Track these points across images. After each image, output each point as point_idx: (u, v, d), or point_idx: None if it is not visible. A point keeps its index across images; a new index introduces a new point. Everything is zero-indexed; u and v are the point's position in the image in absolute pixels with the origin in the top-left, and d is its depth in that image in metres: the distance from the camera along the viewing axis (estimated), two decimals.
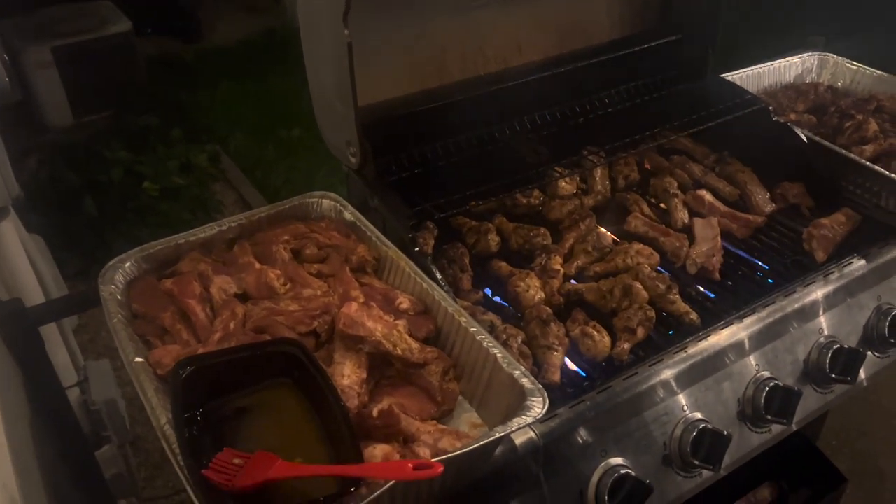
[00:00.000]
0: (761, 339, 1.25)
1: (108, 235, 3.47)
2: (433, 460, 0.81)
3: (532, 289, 1.26)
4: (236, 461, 0.86)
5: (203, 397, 0.94)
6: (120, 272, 1.17)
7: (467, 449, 0.87)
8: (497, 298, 1.32)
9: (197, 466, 0.83)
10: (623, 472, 1.07)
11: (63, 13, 4.61)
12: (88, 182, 3.83)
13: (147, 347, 1.10)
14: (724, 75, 1.79)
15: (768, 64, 1.89)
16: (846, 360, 1.28)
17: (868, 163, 1.47)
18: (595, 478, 1.08)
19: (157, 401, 0.95)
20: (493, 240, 1.39)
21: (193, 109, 4.78)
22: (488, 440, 0.89)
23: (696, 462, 1.13)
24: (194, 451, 0.86)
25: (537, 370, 1.13)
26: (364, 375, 1.01)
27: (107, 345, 3.19)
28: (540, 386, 0.97)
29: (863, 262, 1.36)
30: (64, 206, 3.64)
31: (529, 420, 0.92)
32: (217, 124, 4.62)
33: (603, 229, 1.46)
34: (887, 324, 1.35)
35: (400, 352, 1.04)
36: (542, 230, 1.41)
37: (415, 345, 1.06)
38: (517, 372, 0.99)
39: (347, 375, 0.99)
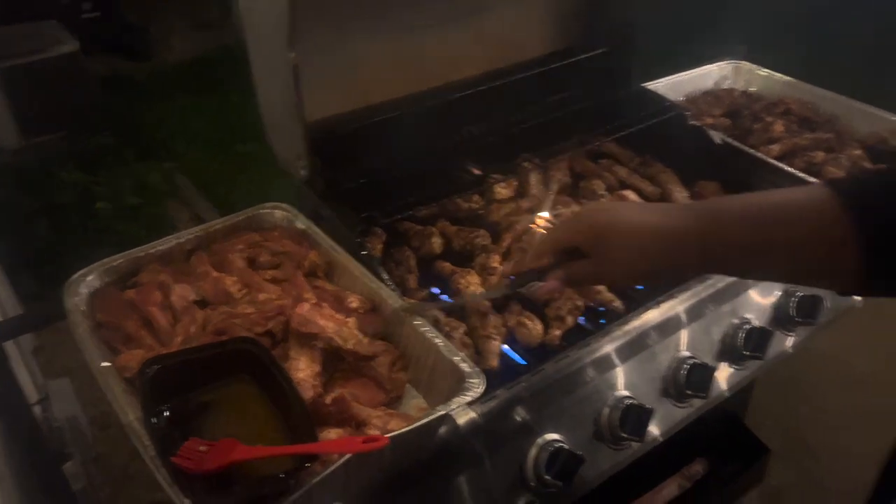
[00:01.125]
0: (680, 323, 1.38)
1: (64, 257, 3.48)
2: (382, 435, 0.91)
3: (472, 285, 1.37)
4: (202, 448, 0.94)
5: (168, 394, 1.02)
6: (84, 285, 1.25)
7: (413, 426, 0.98)
8: (444, 297, 1.43)
9: (166, 454, 0.92)
10: (557, 445, 1.19)
11: (8, 35, 4.59)
12: (42, 204, 3.83)
13: (113, 354, 1.17)
14: (649, 83, 1.94)
15: (689, 72, 2.05)
16: (757, 339, 1.42)
17: (774, 161, 1.62)
18: (533, 452, 1.19)
19: (125, 400, 1.03)
20: (437, 242, 1.50)
21: (147, 127, 4.80)
22: (430, 418, 0.99)
23: (624, 435, 1.25)
24: (164, 441, 0.95)
25: (478, 357, 1.24)
26: (318, 369, 1.11)
27: (65, 365, 3.20)
28: (478, 369, 1.07)
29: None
30: (17, 229, 3.64)
31: (468, 399, 1.03)
32: (172, 141, 4.65)
33: (538, 228, 1.58)
34: (794, 304, 1.50)
35: (351, 346, 1.14)
36: (482, 232, 1.52)
37: (364, 339, 1.17)
38: (457, 358, 1.10)
39: (302, 369, 1.08)
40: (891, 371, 2.84)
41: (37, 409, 2.26)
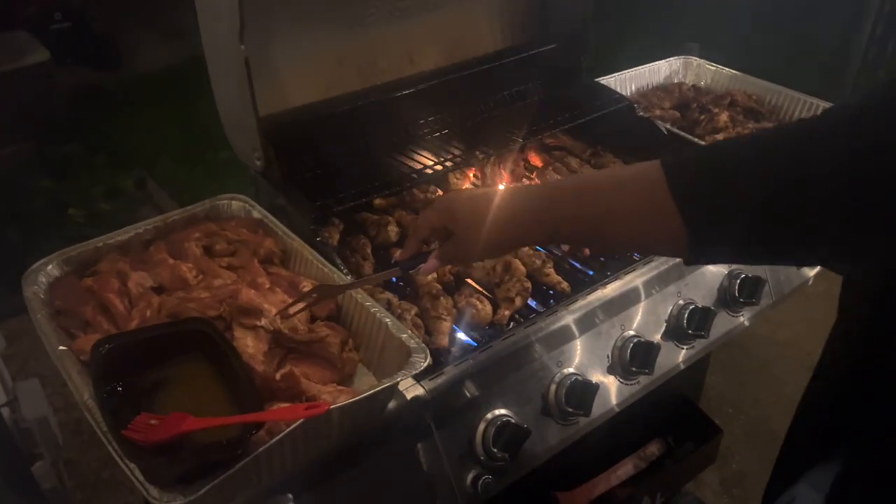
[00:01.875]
0: (626, 302, 1.43)
1: (33, 263, 3.47)
2: (325, 402, 0.95)
3: None
4: (153, 422, 0.97)
5: (121, 372, 1.05)
6: (42, 274, 1.28)
7: (358, 398, 1.02)
8: (399, 282, 1.47)
9: (117, 427, 0.95)
10: (504, 419, 1.23)
11: None
12: (10, 212, 3.82)
13: (71, 339, 1.20)
14: (601, 78, 2.00)
15: (640, 67, 2.12)
16: (700, 318, 1.47)
17: None
18: (481, 427, 1.24)
19: (80, 381, 1.06)
20: (393, 230, 1.54)
21: (118, 136, 4.80)
22: (376, 390, 1.03)
23: (570, 409, 1.30)
24: (115, 416, 0.98)
25: (429, 338, 1.29)
26: (265, 348, 1.15)
27: (36, 372, 3.19)
28: (423, 345, 1.12)
29: None
30: None
31: (413, 371, 1.07)
32: (143, 150, 4.65)
33: None
34: (737, 286, 1.56)
35: (286, 330, 1.17)
36: None
37: (301, 326, 1.19)
38: (405, 335, 1.14)
39: (251, 346, 1.12)
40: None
41: (5, 411, 2.27)
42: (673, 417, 1.87)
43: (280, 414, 0.97)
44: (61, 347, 1.13)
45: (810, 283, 1.77)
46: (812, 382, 0.90)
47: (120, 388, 1.03)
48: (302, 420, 0.95)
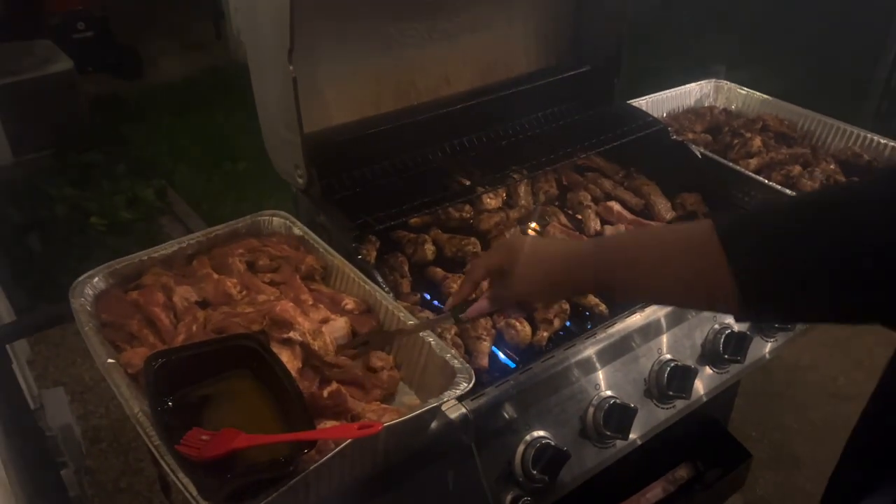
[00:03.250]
0: (662, 327, 1.44)
1: (55, 271, 3.50)
2: (377, 422, 0.95)
3: None
4: (204, 437, 0.98)
5: (171, 387, 1.06)
6: (88, 286, 1.29)
7: (405, 418, 1.02)
8: (436, 302, 1.48)
9: (171, 442, 0.96)
10: (544, 442, 1.23)
11: (3, 53, 4.65)
12: (32, 219, 3.86)
13: (116, 352, 1.21)
14: (633, 100, 2.01)
15: (672, 90, 2.13)
16: (736, 343, 1.47)
17: (752, 174, 1.69)
18: (521, 448, 1.24)
19: (130, 394, 1.07)
20: (429, 249, 1.56)
21: (138, 145, 4.85)
22: (423, 410, 1.04)
23: (608, 433, 1.30)
24: (168, 431, 0.99)
25: (468, 358, 1.29)
26: (299, 365, 1.16)
27: (55, 379, 3.22)
28: (467, 365, 1.12)
29: None
30: (7, 243, 3.66)
31: (458, 392, 1.08)
32: (162, 160, 4.70)
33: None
34: None
35: (316, 347, 1.17)
36: (473, 240, 1.58)
37: (331, 347, 1.20)
38: (448, 355, 1.15)
39: (286, 362, 1.13)
40: (870, 383, 2.90)
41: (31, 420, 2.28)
42: (702, 440, 1.86)
43: (333, 433, 0.97)
44: (109, 360, 1.14)
45: None
46: (865, 413, 0.90)
47: (170, 403, 1.04)
48: (351, 439, 0.96)
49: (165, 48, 6.41)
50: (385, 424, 0.96)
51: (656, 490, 1.74)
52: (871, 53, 3.66)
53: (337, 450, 0.96)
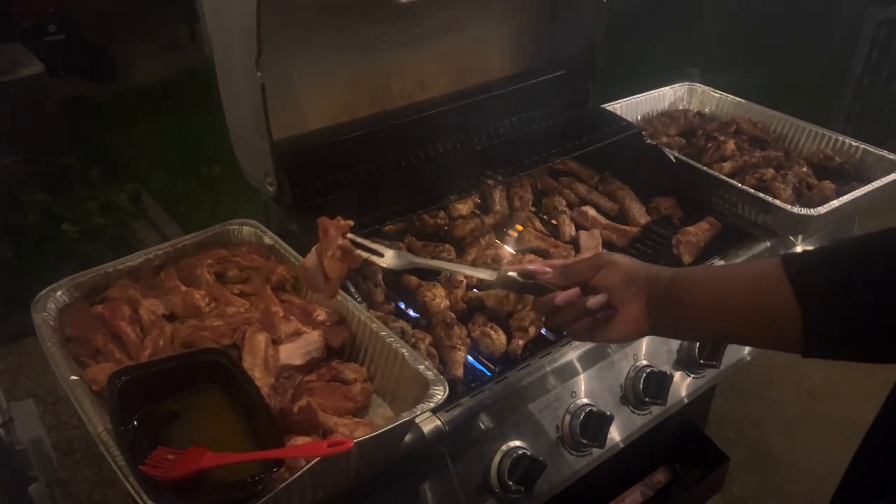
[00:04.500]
0: None
1: (27, 279, 3.43)
2: (347, 439, 0.94)
3: (438, 297, 1.41)
4: (170, 457, 0.96)
5: (137, 405, 1.03)
6: (52, 300, 1.26)
7: (379, 432, 1.00)
8: (410, 311, 1.46)
9: (134, 462, 0.93)
10: (520, 452, 1.22)
11: None
12: (3, 226, 3.78)
13: (81, 368, 1.18)
14: (608, 104, 2.01)
15: (645, 94, 2.13)
16: (712, 347, 1.47)
17: (726, 178, 1.69)
18: (496, 459, 1.23)
19: (94, 412, 1.04)
20: None
21: (112, 149, 4.77)
22: (395, 424, 1.02)
23: (584, 441, 1.29)
24: (132, 450, 0.96)
25: (443, 368, 1.28)
26: (272, 381, 1.13)
27: (27, 390, 3.15)
28: (441, 377, 1.11)
29: (722, 262, 1.57)
30: None
31: (431, 405, 1.06)
32: (137, 163, 4.63)
33: (501, 244, 1.62)
34: None
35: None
36: (447, 246, 1.56)
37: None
38: (422, 366, 1.13)
39: (258, 377, 1.11)
40: (846, 380, 2.95)
41: (1, 433, 2.23)
42: (679, 444, 1.86)
43: (303, 451, 0.95)
44: (73, 377, 1.11)
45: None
46: (875, 423, 0.91)
47: (136, 421, 1.02)
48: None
49: (139, 50, 6.32)
50: (356, 441, 0.94)
51: (635, 495, 1.74)
52: (843, 55, 3.70)
53: (307, 467, 0.93)
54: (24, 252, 3.63)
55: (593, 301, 1.00)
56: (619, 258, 1.04)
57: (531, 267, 1.05)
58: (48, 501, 2.30)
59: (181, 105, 5.26)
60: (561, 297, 1.02)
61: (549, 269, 1.05)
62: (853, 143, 1.84)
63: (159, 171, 4.54)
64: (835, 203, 1.58)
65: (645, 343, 1.45)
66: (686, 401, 1.50)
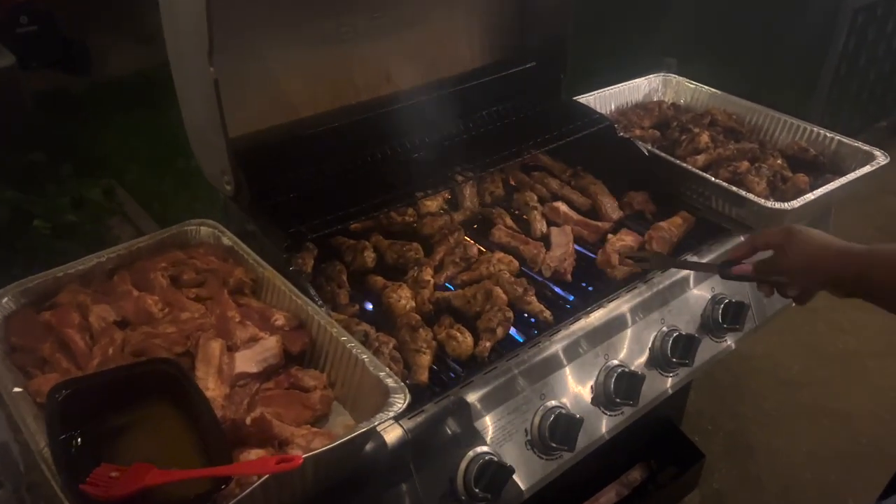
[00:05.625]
0: (610, 331, 1.40)
1: None
2: (298, 455, 0.89)
3: (403, 299, 1.37)
4: (113, 474, 0.92)
5: (82, 419, 0.99)
6: None
7: (333, 445, 0.96)
8: (376, 311, 1.42)
9: (74, 481, 0.88)
10: (487, 458, 1.19)
11: None
12: None
13: (27, 378, 1.13)
14: (580, 96, 1.97)
15: (620, 85, 2.09)
16: (684, 346, 1.44)
17: (699, 171, 1.66)
18: (463, 465, 1.19)
19: (36, 427, 1.00)
20: (370, 256, 1.49)
21: (85, 143, 4.68)
22: (352, 435, 0.98)
23: (554, 445, 1.26)
24: (73, 469, 0.91)
25: (408, 373, 1.24)
26: (227, 390, 1.09)
27: None
28: (402, 384, 1.07)
29: (695, 257, 1.54)
30: None
31: (391, 414, 1.02)
32: (111, 158, 4.54)
33: (470, 241, 1.58)
34: (720, 311, 1.53)
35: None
36: (415, 245, 1.52)
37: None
38: (382, 373, 1.09)
39: (212, 388, 1.07)
40: (822, 369, 2.94)
41: None
42: (655, 440, 1.84)
43: (251, 468, 0.91)
44: (16, 389, 1.07)
45: (793, 304, 1.74)
46: None
47: (79, 437, 0.97)
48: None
49: (115, 42, 6.20)
50: (307, 456, 0.90)
51: (610, 494, 1.72)
52: (820, 43, 3.68)
53: (257, 483, 0.90)
54: None
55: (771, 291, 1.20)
56: (807, 234, 1.14)
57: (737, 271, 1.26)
58: None
59: (157, 98, 5.16)
60: (735, 271, 1.25)
61: (748, 267, 1.25)
62: (828, 135, 1.81)
63: (135, 166, 4.46)
64: (809, 196, 1.56)
65: (618, 342, 1.42)
66: (658, 401, 1.47)
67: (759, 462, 2.60)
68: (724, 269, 1.28)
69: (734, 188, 1.57)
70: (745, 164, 1.72)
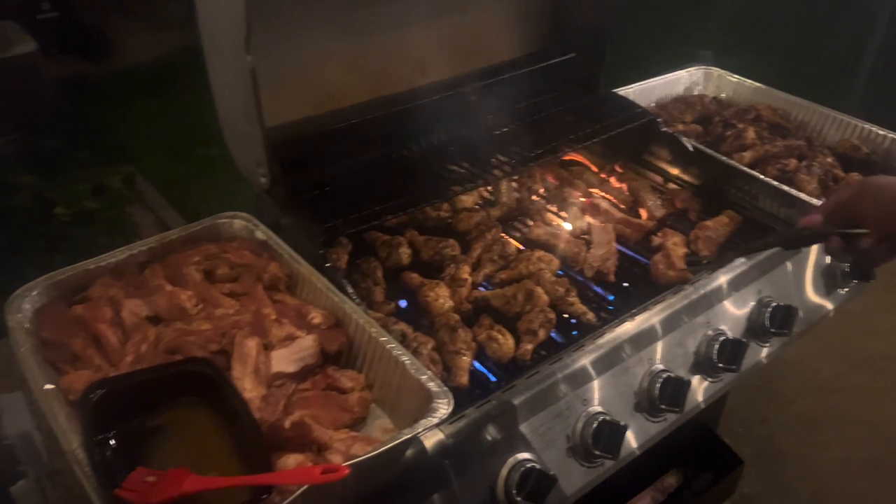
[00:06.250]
0: (654, 335, 1.35)
1: (18, 265, 3.34)
2: (341, 464, 0.85)
3: (441, 298, 1.32)
4: (149, 479, 0.88)
5: (115, 420, 0.95)
6: (27, 300, 1.17)
7: (375, 452, 0.92)
8: (412, 309, 1.38)
9: (109, 485, 0.85)
10: (529, 465, 1.14)
11: None
12: None
13: (58, 374, 1.09)
14: (619, 89, 1.91)
15: (659, 78, 2.03)
16: (731, 350, 1.39)
17: (746, 168, 1.60)
18: (504, 472, 1.15)
19: (69, 426, 0.96)
20: (405, 252, 1.45)
21: (105, 130, 4.66)
22: (395, 443, 0.94)
23: (597, 452, 1.21)
24: (107, 471, 0.88)
25: (447, 375, 1.19)
26: (263, 392, 1.05)
27: (21, 378, 3.08)
28: (445, 388, 1.02)
29: (742, 259, 1.48)
30: None
31: (435, 421, 0.98)
32: (131, 145, 4.52)
33: (508, 238, 1.53)
34: (768, 314, 1.47)
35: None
36: (451, 241, 1.47)
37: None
38: (424, 377, 1.05)
39: (248, 388, 1.03)
40: (856, 376, 2.87)
41: None
42: (691, 446, 1.78)
43: (294, 477, 0.87)
44: (47, 386, 1.03)
45: (830, 314, 1.68)
46: None
47: (113, 439, 0.93)
48: None
49: (135, 28, 6.18)
50: (351, 464, 0.86)
51: (645, 500, 1.67)
52: (858, 38, 3.58)
53: (298, 492, 0.86)
54: (14, 236, 3.53)
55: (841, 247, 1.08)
56: (884, 180, 1.06)
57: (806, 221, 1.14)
58: (38, 495, 2.24)
59: (177, 85, 5.14)
60: (803, 222, 1.13)
61: (818, 216, 1.12)
62: (879, 132, 1.74)
63: (154, 153, 4.44)
64: None
65: (660, 346, 1.36)
66: (702, 406, 1.42)
67: (789, 468, 2.54)
68: (788, 237, 1.19)
69: (785, 187, 1.51)
70: (794, 161, 1.65)
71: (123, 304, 1.18)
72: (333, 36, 1.50)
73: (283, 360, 1.11)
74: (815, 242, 1.25)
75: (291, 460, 0.96)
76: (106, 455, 0.91)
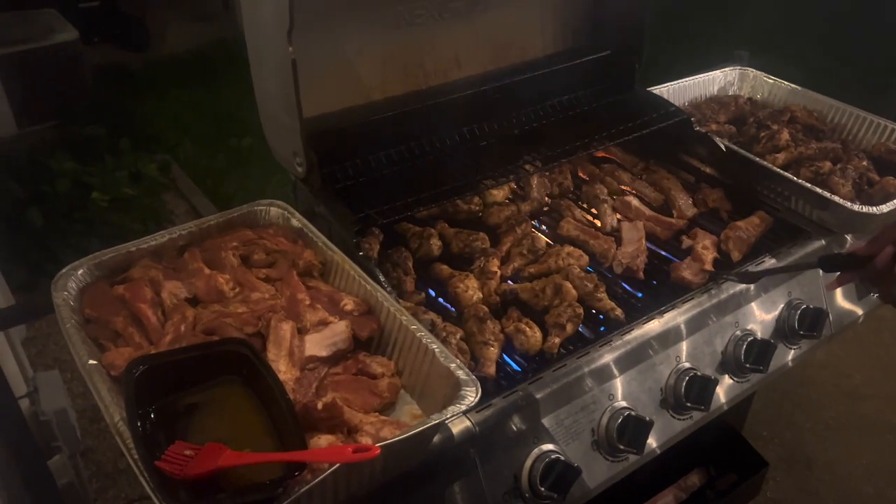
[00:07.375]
0: (682, 333, 1.35)
1: (56, 247, 3.43)
2: (372, 444, 0.88)
3: (471, 289, 1.34)
4: (188, 452, 0.91)
5: (155, 395, 0.99)
6: (72, 279, 1.21)
7: (405, 435, 0.95)
8: (440, 299, 1.40)
9: (150, 458, 0.88)
10: (553, 456, 1.16)
11: (7, 21, 4.54)
12: (33, 193, 3.78)
13: (100, 351, 1.14)
14: (653, 88, 1.91)
15: (694, 77, 2.02)
16: (759, 351, 1.39)
17: (779, 170, 1.59)
18: (528, 462, 1.16)
19: (111, 399, 1.00)
20: (436, 244, 1.47)
21: (142, 119, 4.76)
22: (424, 427, 0.96)
23: (622, 447, 1.22)
24: (148, 444, 0.91)
25: (475, 365, 1.22)
26: (297, 374, 1.08)
27: (55, 357, 3.16)
28: (474, 377, 1.04)
29: (773, 260, 1.48)
30: (8, 217, 3.58)
31: (463, 408, 1.00)
32: (166, 134, 4.61)
33: (538, 233, 1.55)
34: (797, 317, 1.47)
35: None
36: (481, 235, 1.49)
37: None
38: (453, 365, 1.07)
39: (283, 370, 1.06)
40: (886, 382, 2.83)
41: (25, 402, 2.23)
42: (716, 445, 1.78)
43: (327, 455, 0.90)
44: (91, 361, 1.07)
45: (860, 320, 1.66)
46: None
47: (153, 413, 0.97)
48: None
49: (172, 19, 6.29)
50: (382, 445, 0.89)
51: (667, 498, 1.67)
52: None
53: (330, 471, 0.88)
54: (53, 220, 3.63)
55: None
56: None
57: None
58: (71, 471, 2.31)
59: (212, 76, 5.22)
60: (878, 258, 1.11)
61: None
62: None
63: (188, 142, 4.52)
64: None
65: (687, 344, 1.37)
66: (727, 406, 1.42)
67: (816, 473, 2.52)
68: (827, 259, 1.22)
69: (818, 189, 1.50)
70: (828, 164, 1.64)
71: (163, 285, 1.22)
72: (371, 30, 1.53)
73: (317, 345, 1.14)
74: (854, 267, 1.22)
75: (323, 440, 0.98)
76: (147, 429, 0.95)
